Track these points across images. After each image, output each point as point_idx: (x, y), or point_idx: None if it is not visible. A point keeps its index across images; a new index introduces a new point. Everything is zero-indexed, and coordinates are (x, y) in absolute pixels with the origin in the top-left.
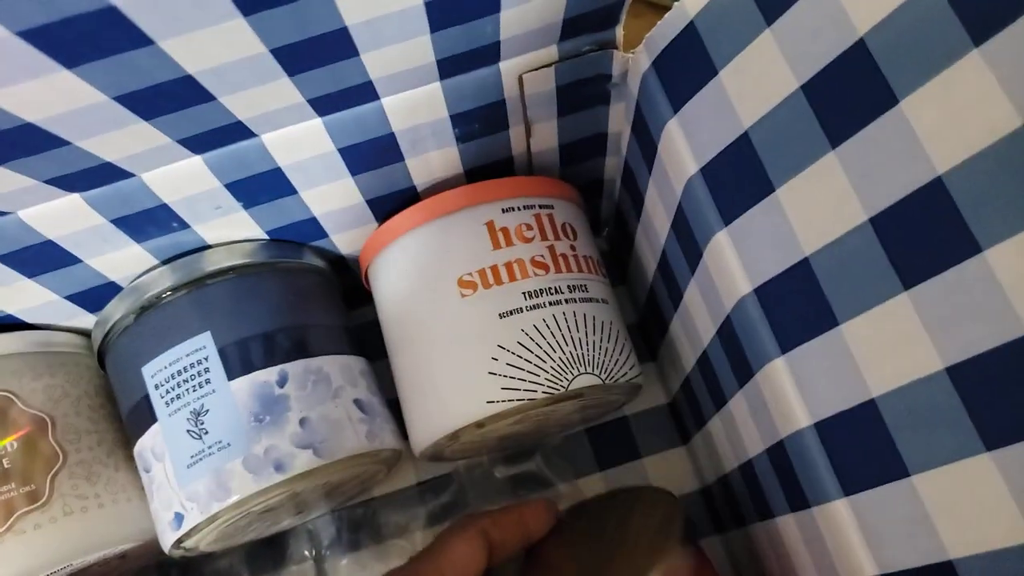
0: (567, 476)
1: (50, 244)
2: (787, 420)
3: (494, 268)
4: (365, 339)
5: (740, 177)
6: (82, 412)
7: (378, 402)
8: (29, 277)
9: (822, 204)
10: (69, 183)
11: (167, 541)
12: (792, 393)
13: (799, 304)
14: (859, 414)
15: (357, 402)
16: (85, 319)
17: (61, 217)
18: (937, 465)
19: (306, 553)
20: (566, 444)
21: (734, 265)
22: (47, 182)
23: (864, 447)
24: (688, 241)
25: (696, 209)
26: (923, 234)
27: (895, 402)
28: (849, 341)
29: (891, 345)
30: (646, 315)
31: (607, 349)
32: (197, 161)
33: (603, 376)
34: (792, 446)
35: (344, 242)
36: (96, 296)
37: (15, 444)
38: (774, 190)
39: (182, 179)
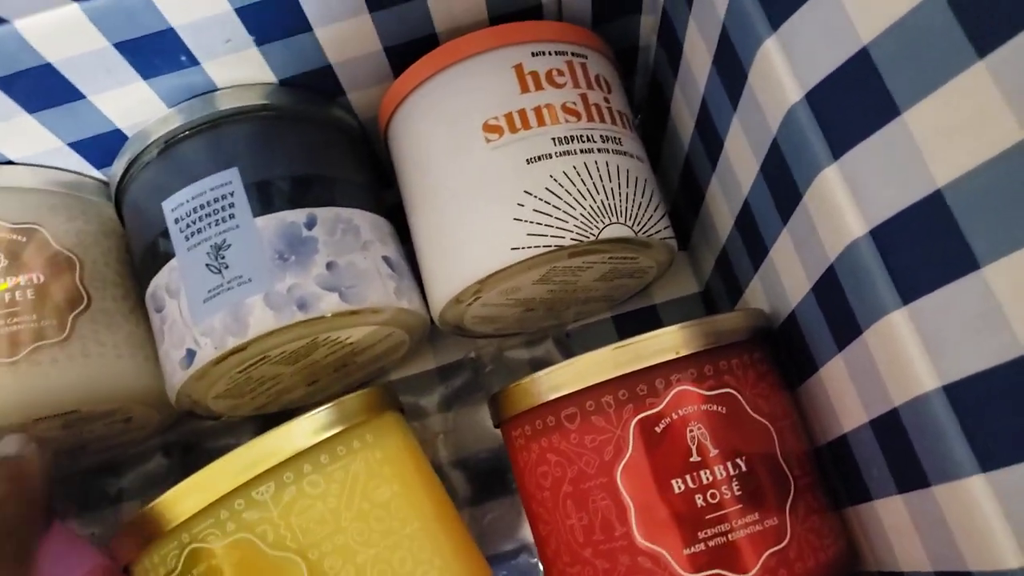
0: None
1: (50, 70)
2: (839, 235)
3: (522, 112)
4: None
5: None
6: (111, 264)
7: (407, 267)
8: (30, 112)
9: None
10: None
11: (176, 383)
12: (845, 202)
13: (856, 105)
14: (922, 209)
15: (386, 259)
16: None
17: (61, 33)
18: (1014, 250)
19: None
20: (588, 330)
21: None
22: None
23: (927, 245)
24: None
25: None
26: None
27: (965, 188)
28: (913, 129)
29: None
30: (678, 197)
31: (640, 203)
32: None
33: (635, 228)
34: (844, 265)
35: (362, 102)
36: (102, 146)
37: (41, 277)
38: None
39: None
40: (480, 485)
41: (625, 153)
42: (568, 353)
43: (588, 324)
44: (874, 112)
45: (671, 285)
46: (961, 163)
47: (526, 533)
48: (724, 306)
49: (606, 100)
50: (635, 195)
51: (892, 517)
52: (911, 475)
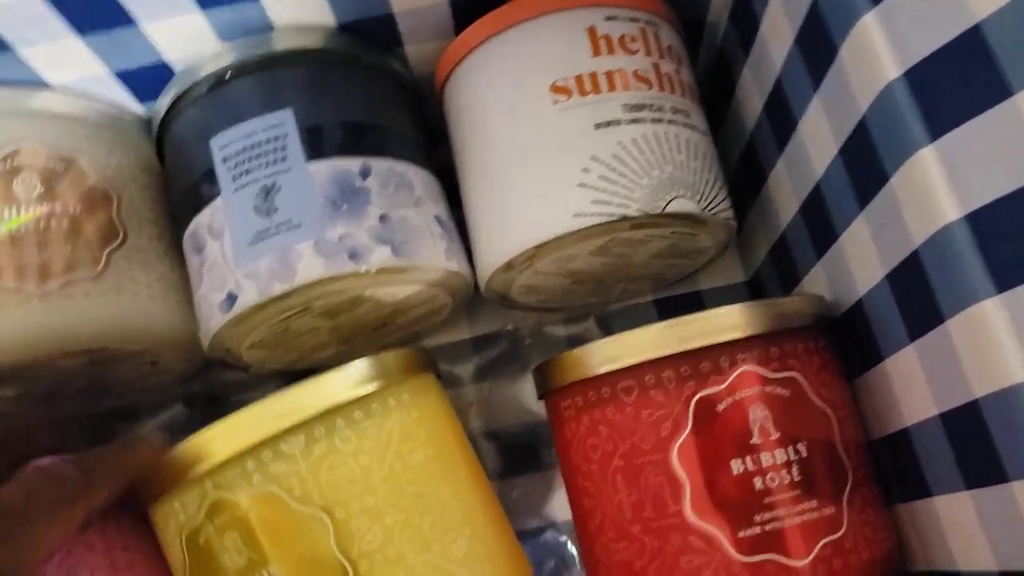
0: None
1: None
2: (930, 219)
3: (593, 75)
4: None
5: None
6: (147, 202)
7: (455, 229)
8: (79, 34)
9: None
10: None
11: (213, 326)
12: (941, 184)
13: (961, 84)
14: None
15: (438, 219)
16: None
17: None
18: None
19: None
20: (630, 312)
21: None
22: None
23: None
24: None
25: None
26: None
27: None
28: None
29: None
30: (735, 177)
31: (707, 180)
32: None
33: (702, 204)
34: (932, 249)
35: (418, 56)
36: (148, 79)
37: (78, 208)
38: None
39: None
40: (511, 458)
41: (693, 127)
42: (609, 333)
43: (629, 306)
44: (982, 93)
45: (717, 272)
46: None
47: (553, 510)
48: (774, 295)
49: (677, 72)
50: (702, 170)
51: (954, 513)
52: (985, 470)
